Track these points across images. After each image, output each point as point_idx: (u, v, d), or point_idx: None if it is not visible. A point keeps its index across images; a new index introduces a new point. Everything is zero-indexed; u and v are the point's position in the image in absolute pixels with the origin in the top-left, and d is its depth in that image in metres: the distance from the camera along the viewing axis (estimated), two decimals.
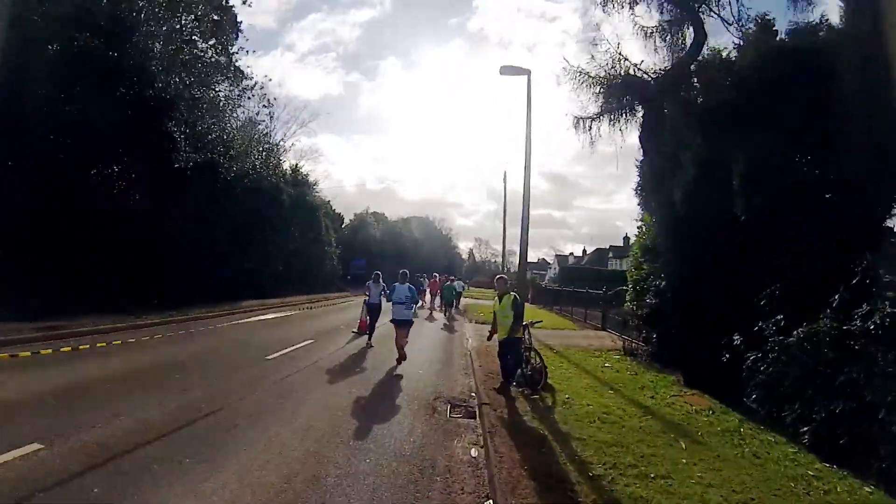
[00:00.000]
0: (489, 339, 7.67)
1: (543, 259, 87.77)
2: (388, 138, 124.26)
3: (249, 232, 19.56)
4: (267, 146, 22.30)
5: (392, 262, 33.96)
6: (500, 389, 6.89)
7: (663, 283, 10.03)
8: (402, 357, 8.66)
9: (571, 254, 71.10)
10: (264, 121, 22.83)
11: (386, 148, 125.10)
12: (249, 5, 18.41)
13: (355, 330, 11.72)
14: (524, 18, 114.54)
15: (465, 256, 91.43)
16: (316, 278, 29.96)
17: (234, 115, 18.49)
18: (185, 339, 9.99)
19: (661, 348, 9.90)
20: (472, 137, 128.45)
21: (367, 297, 10.54)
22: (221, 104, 16.51)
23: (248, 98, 18.89)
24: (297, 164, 29.17)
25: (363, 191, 74.18)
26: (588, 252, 63.60)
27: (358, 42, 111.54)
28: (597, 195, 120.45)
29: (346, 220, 50.38)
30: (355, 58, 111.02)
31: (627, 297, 12.13)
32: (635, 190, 11.14)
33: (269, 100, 20.52)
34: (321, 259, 31.90)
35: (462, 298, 24.06)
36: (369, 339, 10.61)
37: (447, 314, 19.47)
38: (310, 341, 10.62)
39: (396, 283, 8.78)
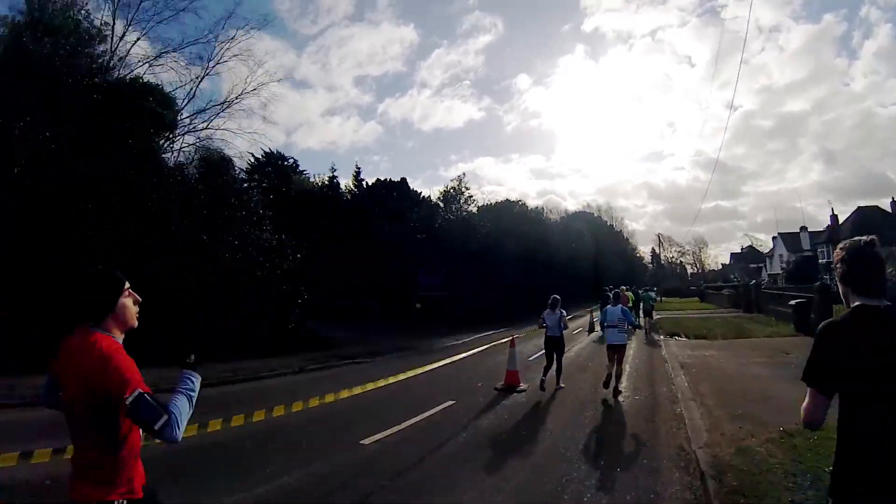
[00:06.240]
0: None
1: (750, 248, 69.15)
2: (541, 154, 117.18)
3: None
4: None
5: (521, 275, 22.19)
6: None
7: None
8: (613, 384, 7.75)
9: (803, 228, 46.34)
10: None
11: (541, 163, 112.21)
12: None
13: (499, 386, 8.50)
14: (636, 9, 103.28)
15: (647, 261, 77.36)
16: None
17: None
18: None
19: None
20: (622, 139, 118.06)
21: (545, 329, 8.48)
22: None
23: None
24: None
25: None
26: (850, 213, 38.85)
27: (486, 67, 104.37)
28: (763, 177, 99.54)
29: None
30: (486, 82, 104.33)
31: None
32: None
33: None
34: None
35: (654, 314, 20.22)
36: (554, 379, 8.35)
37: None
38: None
39: (608, 307, 8.31)
